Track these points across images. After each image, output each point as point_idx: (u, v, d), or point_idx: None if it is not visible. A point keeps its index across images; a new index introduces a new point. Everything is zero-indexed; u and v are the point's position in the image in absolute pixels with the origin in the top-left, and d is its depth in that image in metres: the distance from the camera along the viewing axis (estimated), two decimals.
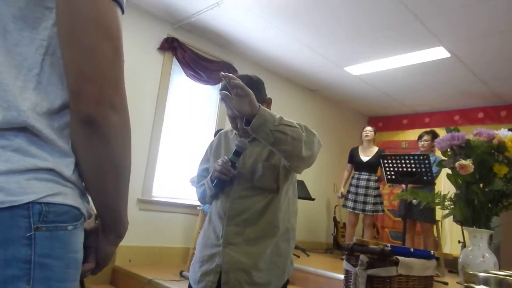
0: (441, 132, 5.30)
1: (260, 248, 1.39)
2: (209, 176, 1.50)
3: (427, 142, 4.37)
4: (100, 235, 0.73)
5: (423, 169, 3.74)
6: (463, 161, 1.12)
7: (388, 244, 1.06)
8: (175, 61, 4.19)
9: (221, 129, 3.95)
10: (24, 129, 0.58)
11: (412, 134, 6.35)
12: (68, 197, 0.60)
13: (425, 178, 3.75)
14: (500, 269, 1.17)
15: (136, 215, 3.82)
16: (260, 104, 1.24)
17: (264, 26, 4.03)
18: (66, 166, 0.60)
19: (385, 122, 6.83)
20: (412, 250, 1.09)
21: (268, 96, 1.57)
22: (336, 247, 5.78)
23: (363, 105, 6.43)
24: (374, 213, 4.60)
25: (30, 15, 0.60)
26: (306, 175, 5.65)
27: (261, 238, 1.40)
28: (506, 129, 1.19)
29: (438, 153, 4.86)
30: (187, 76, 4.28)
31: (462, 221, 1.21)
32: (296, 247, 4.86)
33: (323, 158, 6.11)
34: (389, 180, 4.04)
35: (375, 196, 4.59)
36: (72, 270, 0.60)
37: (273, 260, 1.41)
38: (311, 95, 5.99)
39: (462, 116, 5.90)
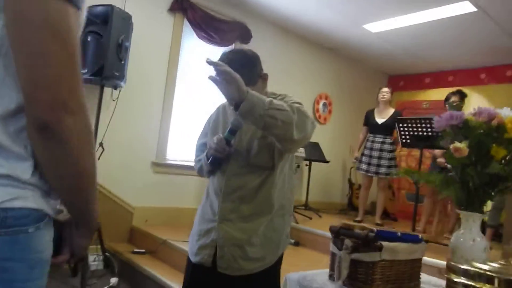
0: (468, 91, 5.08)
1: (254, 224, 1.41)
2: (204, 153, 1.51)
3: (455, 104, 4.21)
4: (73, 228, 0.75)
5: (439, 133, 3.62)
6: (457, 144, 1.08)
7: (375, 229, 1.05)
8: (186, 22, 4.09)
9: None
10: None
11: (434, 94, 6.11)
12: (28, 200, 0.61)
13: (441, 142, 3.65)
14: (491, 249, 1.16)
15: (151, 178, 3.93)
16: (248, 89, 1.21)
17: None
18: (23, 170, 0.61)
19: (406, 80, 6.58)
20: (399, 234, 1.07)
21: (265, 72, 1.52)
22: (351, 208, 5.83)
23: (383, 64, 6.18)
24: (388, 176, 4.56)
25: None
26: (322, 137, 5.61)
27: (256, 215, 1.41)
28: (510, 108, 1.12)
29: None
30: (199, 38, 4.19)
31: (457, 203, 1.18)
32: (309, 208, 4.93)
33: (340, 119, 6.01)
34: (404, 145, 3.96)
35: (389, 159, 4.53)
36: (37, 270, 0.63)
37: (267, 236, 1.43)
38: (329, 53, 5.79)
39: (489, 74, 5.60)
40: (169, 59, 4.02)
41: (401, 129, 3.88)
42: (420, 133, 3.76)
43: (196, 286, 1.48)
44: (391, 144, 4.58)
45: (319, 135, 5.62)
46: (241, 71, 1.35)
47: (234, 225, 1.41)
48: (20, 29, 0.56)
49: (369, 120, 4.74)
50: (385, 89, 4.66)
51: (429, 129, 3.68)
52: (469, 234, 1.11)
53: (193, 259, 1.47)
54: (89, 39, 3.08)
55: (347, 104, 6.12)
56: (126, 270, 3.26)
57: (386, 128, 4.56)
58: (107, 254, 3.39)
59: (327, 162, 5.26)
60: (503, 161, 1.09)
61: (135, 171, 3.81)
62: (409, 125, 3.81)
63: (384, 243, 1.01)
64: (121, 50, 3.09)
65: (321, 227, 3.91)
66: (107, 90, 3.46)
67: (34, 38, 0.56)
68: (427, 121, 3.69)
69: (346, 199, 6.02)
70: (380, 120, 4.63)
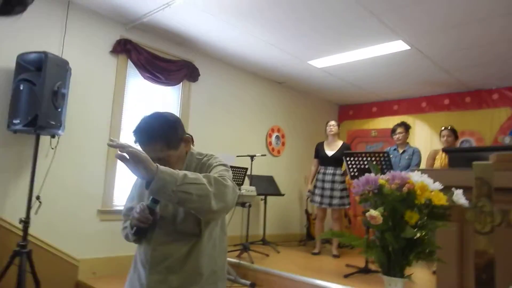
0: (409, 120, 5.33)
1: None
2: (128, 222, 1.43)
3: (401, 135, 4.42)
4: None
5: (384, 165, 3.75)
6: (372, 212, 1.08)
7: None
8: (130, 63, 4.03)
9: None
10: None
11: (381, 122, 6.37)
12: None
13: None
14: None
15: (97, 226, 3.73)
16: (158, 166, 1.17)
17: (219, 25, 3.90)
18: None
19: (355, 110, 6.82)
20: None
21: (187, 134, 1.49)
22: (309, 238, 5.84)
23: (332, 95, 6.40)
24: (341, 207, 4.63)
25: None
26: (276, 169, 5.64)
27: (185, 286, 1.35)
28: (420, 173, 1.15)
29: (413, 144, 4.91)
30: (144, 78, 4.13)
31: (379, 267, 1.18)
32: (267, 243, 4.88)
33: (293, 151, 6.09)
34: (352, 177, 4.05)
35: (341, 190, 4.61)
36: None
37: None
38: (279, 87, 5.91)
39: (429, 103, 5.93)
40: (113, 102, 3.91)
41: (349, 162, 3.98)
42: (367, 166, 3.87)
43: None
44: (341, 175, 4.68)
45: (273, 167, 5.65)
46: (162, 136, 1.32)
47: None
48: None
49: (319, 153, 4.83)
50: (332, 123, 4.80)
51: (374, 162, 3.79)
52: None
53: None
54: (21, 88, 2.94)
55: (300, 135, 6.23)
56: None
57: (336, 160, 4.67)
58: None
59: (282, 195, 5.27)
60: (416, 226, 1.10)
61: (79, 221, 3.61)
62: (356, 158, 3.92)
63: None
64: (57, 97, 2.97)
65: (277, 265, 3.86)
66: (45, 138, 3.30)
67: None
68: (372, 155, 3.81)
69: (304, 229, 6.03)
70: (329, 152, 4.74)
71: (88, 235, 3.66)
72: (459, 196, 1.11)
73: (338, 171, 4.68)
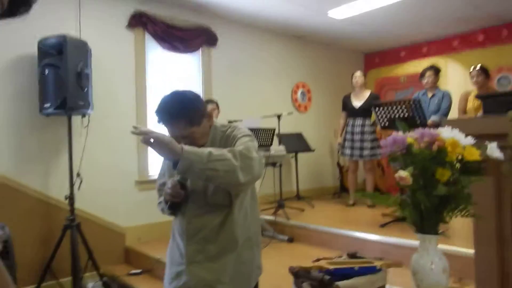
0: (441, 62, 5.07)
1: (221, 263, 1.41)
2: (162, 197, 1.49)
3: (430, 78, 4.22)
4: None
5: (415, 113, 3.63)
6: (401, 172, 1.07)
7: (332, 267, 1.05)
8: (148, 36, 4.01)
9: (210, 100, 3.84)
10: None
11: (410, 67, 6.10)
12: None
13: (418, 122, 3.66)
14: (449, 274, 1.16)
15: (137, 197, 3.92)
16: (184, 147, 1.20)
17: None
18: None
19: (382, 56, 6.54)
20: (356, 268, 1.07)
21: (213, 100, 1.50)
22: (343, 190, 5.87)
23: (356, 44, 6.13)
24: (373, 157, 4.58)
25: None
26: (304, 126, 5.60)
27: (222, 253, 1.41)
28: (450, 127, 1.11)
29: (446, 87, 4.70)
30: (164, 48, 4.11)
31: (412, 225, 1.18)
32: (301, 199, 4.96)
33: (321, 105, 5.98)
34: (383, 127, 3.97)
35: (371, 141, 4.55)
36: None
37: (237, 270, 1.43)
38: (300, 42, 5.72)
39: (461, 41, 5.58)
40: (136, 75, 3.95)
41: (378, 113, 3.88)
42: (397, 115, 3.76)
43: None
44: (371, 126, 4.59)
45: (302, 124, 5.61)
46: (183, 115, 1.34)
47: (202, 266, 1.41)
48: None
49: (347, 105, 4.74)
50: (358, 73, 4.64)
51: (405, 111, 3.68)
52: (427, 256, 1.11)
53: None
54: (46, 72, 3.01)
55: (326, 89, 6.09)
56: None
57: (364, 111, 4.56)
58: (104, 279, 3.41)
59: (312, 151, 5.27)
60: (449, 182, 1.08)
61: (120, 193, 3.79)
62: (385, 108, 3.81)
63: (341, 283, 1.01)
64: (82, 78, 3.03)
65: (313, 219, 3.93)
66: (76, 118, 3.41)
67: None
68: (402, 103, 3.69)
69: (338, 182, 6.06)
70: (357, 104, 4.63)
71: (129, 205, 3.85)
72: (493, 150, 1.06)
73: (367, 122, 4.59)
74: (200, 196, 1.42)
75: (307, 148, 5.20)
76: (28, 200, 3.26)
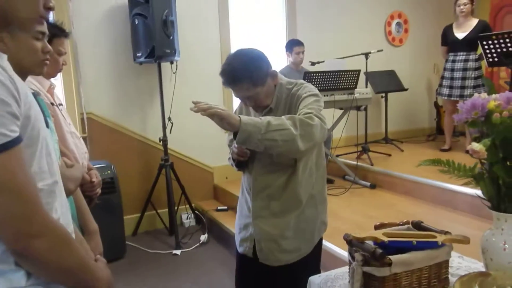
0: None
1: (285, 219, 1.46)
2: (230, 155, 1.55)
3: (465, 6, 3.86)
4: None
5: None
6: (474, 145, 0.95)
7: (386, 240, 1.02)
8: None
9: (294, 39, 3.79)
10: None
11: None
12: None
13: None
14: None
15: (223, 138, 4.06)
16: (242, 118, 1.22)
17: None
18: (19, 279, 0.73)
19: None
20: (414, 243, 1.02)
21: (272, 69, 1.45)
22: (440, 132, 5.41)
23: None
24: None
25: None
26: (398, 62, 5.16)
27: (286, 211, 1.46)
28: None
29: None
30: None
31: (488, 201, 1.07)
32: (389, 142, 4.72)
33: (419, 37, 5.36)
34: (490, 64, 3.47)
35: (475, 78, 4.00)
36: None
37: (300, 227, 1.48)
38: None
39: None
40: (220, 17, 3.96)
41: (486, 46, 3.37)
42: (510, 49, 3.22)
43: (243, 274, 1.63)
44: (476, 61, 4.01)
45: (395, 60, 5.15)
46: (246, 76, 1.33)
47: (267, 221, 1.48)
48: None
49: (447, 37, 4.16)
50: (463, 0, 3.96)
51: None
52: (500, 235, 1.01)
53: (238, 249, 1.60)
54: (136, 22, 3.19)
55: (426, 18, 5.39)
56: (213, 226, 3.63)
57: (469, 43, 3.97)
58: (196, 212, 3.82)
59: (406, 90, 4.86)
60: None
61: (208, 136, 4.00)
62: (495, 41, 3.28)
63: (395, 257, 0.97)
64: (167, 26, 3.14)
65: (400, 167, 3.73)
66: (166, 65, 3.61)
67: None
68: None
69: (434, 123, 5.58)
70: (460, 35, 4.03)
71: (217, 147, 4.07)
72: None
73: (472, 56, 4.00)
74: (266, 155, 1.45)
75: (399, 88, 4.81)
76: (131, 142, 3.69)
